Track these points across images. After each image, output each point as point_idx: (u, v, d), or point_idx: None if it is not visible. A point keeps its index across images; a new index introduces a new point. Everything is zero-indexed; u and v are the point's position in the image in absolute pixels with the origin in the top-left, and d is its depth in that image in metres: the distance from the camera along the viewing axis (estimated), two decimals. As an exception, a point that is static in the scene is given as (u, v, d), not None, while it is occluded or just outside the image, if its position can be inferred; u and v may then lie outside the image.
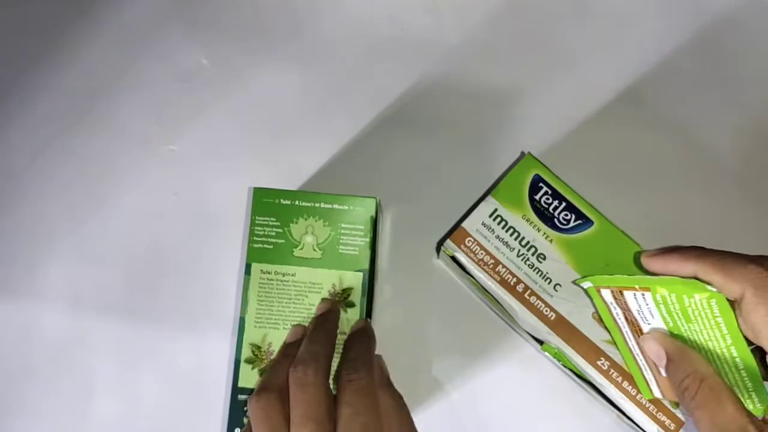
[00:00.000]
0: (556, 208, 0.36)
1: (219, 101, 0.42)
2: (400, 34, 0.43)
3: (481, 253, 0.35)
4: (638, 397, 0.34)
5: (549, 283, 0.35)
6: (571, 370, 0.35)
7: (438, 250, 0.39)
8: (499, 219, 0.36)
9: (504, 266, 0.35)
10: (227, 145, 0.42)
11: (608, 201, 0.37)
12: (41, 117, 0.42)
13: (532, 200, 0.36)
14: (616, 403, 0.34)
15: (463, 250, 0.36)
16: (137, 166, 0.42)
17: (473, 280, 0.36)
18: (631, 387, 0.34)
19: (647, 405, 0.34)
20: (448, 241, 0.36)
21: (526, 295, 0.35)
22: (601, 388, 0.34)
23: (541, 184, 0.36)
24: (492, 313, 0.39)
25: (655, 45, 0.42)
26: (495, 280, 0.35)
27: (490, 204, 0.36)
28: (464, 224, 0.36)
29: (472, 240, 0.36)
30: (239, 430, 0.35)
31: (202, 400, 0.39)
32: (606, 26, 0.43)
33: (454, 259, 0.36)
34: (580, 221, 0.36)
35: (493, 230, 0.36)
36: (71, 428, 0.39)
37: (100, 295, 0.40)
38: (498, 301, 0.35)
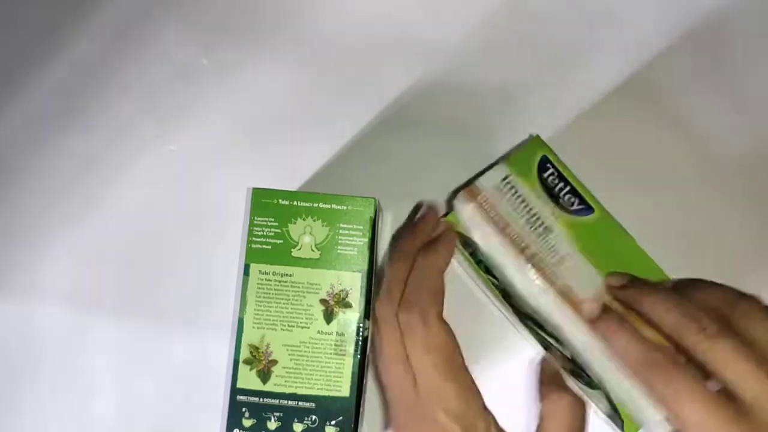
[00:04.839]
0: (561, 189, 0.37)
1: (219, 101, 0.42)
2: (400, 33, 0.43)
3: (492, 212, 0.36)
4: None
5: (554, 256, 0.35)
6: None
7: (449, 203, 0.40)
8: (510, 186, 0.36)
9: (513, 230, 0.36)
10: (226, 145, 0.42)
11: (608, 198, 0.37)
12: (40, 116, 0.42)
13: (540, 176, 0.37)
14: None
15: (476, 204, 0.36)
16: (136, 165, 0.42)
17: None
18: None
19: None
20: (462, 193, 0.36)
21: (532, 262, 0.35)
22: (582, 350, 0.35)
23: (548, 165, 0.37)
24: (492, 313, 0.39)
25: (655, 43, 0.42)
26: (504, 240, 0.35)
27: (502, 170, 0.37)
28: (478, 182, 0.36)
29: (485, 198, 0.36)
30: (238, 430, 0.35)
31: (201, 401, 0.39)
32: (606, 25, 0.42)
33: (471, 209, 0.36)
34: (582, 206, 0.36)
35: (504, 194, 0.36)
36: (70, 428, 0.39)
37: (99, 295, 0.40)
38: (498, 268, 0.36)
